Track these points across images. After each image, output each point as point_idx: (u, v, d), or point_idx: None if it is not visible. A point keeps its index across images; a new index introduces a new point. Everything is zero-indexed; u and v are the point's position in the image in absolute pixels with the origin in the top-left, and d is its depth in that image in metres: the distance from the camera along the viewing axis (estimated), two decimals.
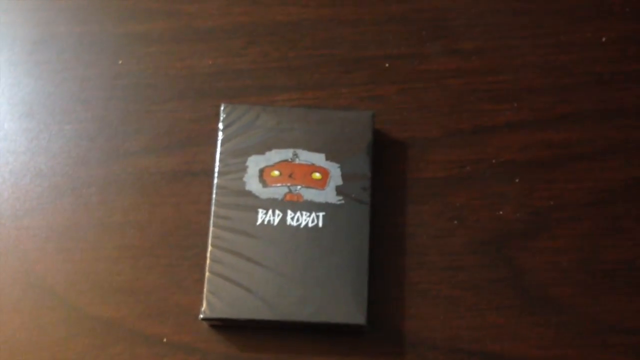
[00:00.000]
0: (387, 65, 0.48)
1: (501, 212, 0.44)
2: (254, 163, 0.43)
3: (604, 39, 0.48)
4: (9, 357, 0.42)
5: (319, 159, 0.43)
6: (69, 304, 0.43)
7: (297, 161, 0.43)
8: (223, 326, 0.42)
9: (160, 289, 0.43)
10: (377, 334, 0.42)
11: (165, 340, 0.42)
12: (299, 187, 0.42)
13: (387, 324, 0.42)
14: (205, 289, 0.41)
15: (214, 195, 0.43)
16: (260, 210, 0.42)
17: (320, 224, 0.42)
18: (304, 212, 0.42)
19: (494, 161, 0.45)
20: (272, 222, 0.42)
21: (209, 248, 0.42)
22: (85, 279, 0.44)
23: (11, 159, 0.46)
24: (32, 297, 0.44)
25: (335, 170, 0.43)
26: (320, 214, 0.42)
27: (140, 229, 0.45)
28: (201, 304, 0.41)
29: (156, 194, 0.45)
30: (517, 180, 0.45)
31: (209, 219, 0.44)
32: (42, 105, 0.47)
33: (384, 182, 0.45)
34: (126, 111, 0.47)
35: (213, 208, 0.42)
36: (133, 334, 0.43)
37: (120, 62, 0.48)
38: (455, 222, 0.44)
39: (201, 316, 0.41)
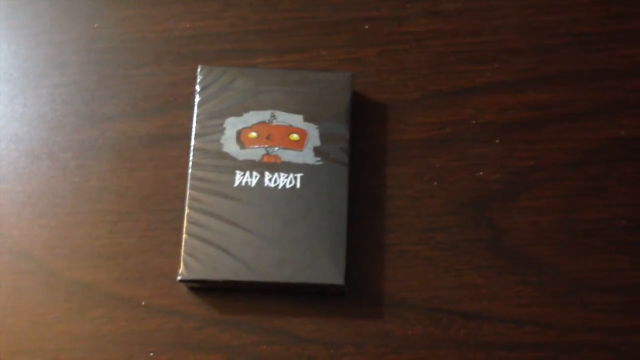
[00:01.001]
0: (366, 27, 0.47)
1: (481, 173, 0.44)
2: (232, 125, 0.43)
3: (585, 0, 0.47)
4: None
5: (297, 120, 0.43)
6: (47, 268, 0.43)
7: (274, 122, 0.43)
8: (201, 288, 0.42)
9: (139, 253, 0.43)
10: (356, 295, 0.42)
11: (143, 303, 0.42)
12: (276, 148, 0.42)
13: (366, 285, 0.42)
14: (182, 251, 0.41)
15: (191, 157, 0.42)
16: (237, 172, 0.42)
17: (299, 185, 0.41)
18: (281, 174, 0.42)
19: (473, 122, 0.45)
20: (249, 183, 0.42)
21: (186, 210, 0.41)
22: (63, 243, 0.43)
23: None
24: (9, 262, 0.43)
25: (313, 132, 0.42)
26: (298, 175, 0.42)
27: (118, 194, 0.44)
28: (179, 267, 0.41)
29: (134, 159, 0.45)
30: (497, 141, 0.45)
31: (187, 182, 0.43)
32: (18, 69, 0.47)
33: (364, 144, 0.45)
34: (103, 75, 0.47)
35: (190, 170, 0.42)
36: (111, 298, 0.42)
37: (96, 25, 0.47)
38: (435, 183, 0.44)
39: (179, 278, 0.41)
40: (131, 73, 0.47)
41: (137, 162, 0.45)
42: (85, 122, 0.46)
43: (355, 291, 0.42)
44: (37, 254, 0.43)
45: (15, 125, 0.46)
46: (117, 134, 0.45)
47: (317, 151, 0.42)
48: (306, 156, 0.42)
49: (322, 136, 0.42)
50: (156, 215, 0.44)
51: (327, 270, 0.40)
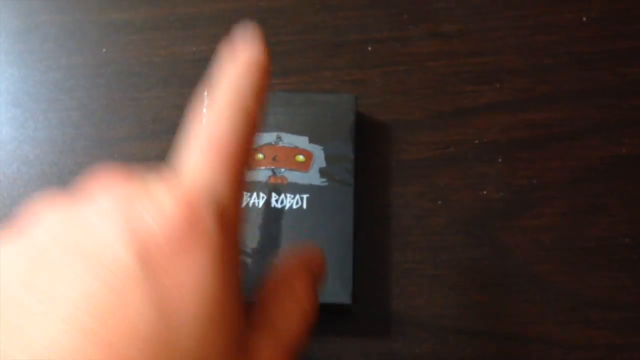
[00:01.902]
0: (369, 49, 0.48)
1: (484, 192, 0.45)
2: None
3: (584, 19, 0.48)
4: None
5: (302, 141, 0.43)
6: None
7: (280, 144, 0.43)
8: None
9: None
10: (362, 313, 0.43)
11: None
12: (282, 169, 0.43)
13: (372, 304, 0.43)
14: None
15: None
16: (245, 193, 0.42)
17: (305, 206, 0.42)
18: (288, 195, 0.42)
19: (476, 142, 0.46)
20: (257, 204, 0.42)
21: None
22: None
23: None
24: None
25: (318, 153, 0.43)
26: (304, 196, 0.42)
27: None
28: None
29: None
30: (499, 160, 0.45)
31: None
32: (27, 94, 0.48)
33: (368, 163, 0.45)
34: (111, 99, 0.47)
35: None
36: None
37: (104, 50, 0.48)
38: (439, 202, 0.45)
39: None
40: (139, 96, 0.47)
41: None
42: (94, 145, 0.46)
43: (361, 309, 0.43)
44: None
45: (25, 149, 0.47)
46: (125, 156, 0.46)
47: (322, 172, 0.43)
48: (312, 177, 0.43)
49: (327, 157, 0.43)
50: None
51: (334, 289, 0.41)
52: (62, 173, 0.46)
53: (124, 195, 0.24)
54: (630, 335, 0.42)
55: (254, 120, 0.27)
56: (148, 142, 0.46)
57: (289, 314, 0.27)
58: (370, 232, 0.44)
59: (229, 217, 0.25)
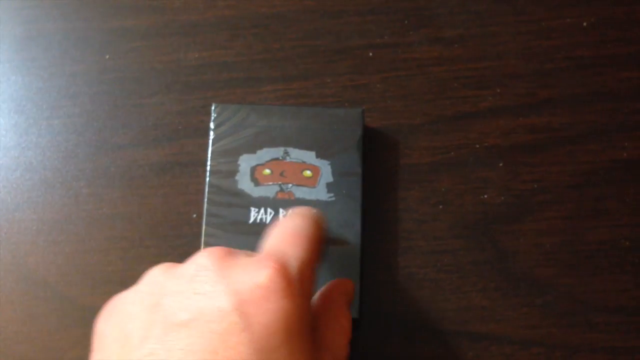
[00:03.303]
0: (370, 54, 0.48)
1: (485, 196, 0.45)
2: (246, 162, 0.43)
3: (584, 24, 0.48)
4: (2, 348, 0.43)
5: (309, 156, 0.43)
6: (61, 295, 0.44)
7: (287, 159, 0.43)
8: None
9: None
10: (365, 317, 0.43)
11: None
12: (290, 185, 0.43)
13: (374, 307, 0.43)
14: None
15: (206, 194, 0.43)
16: (252, 209, 0.42)
17: None
18: None
19: (477, 146, 0.46)
20: (264, 220, 0.42)
21: (202, 246, 0.42)
22: (76, 270, 0.44)
23: (1, 154, 0.47)
24: (25, 289, 0.44)
25: (325, 168, 0.43)
26: None
27: (129, 221, 0.45)
28: None
29: (145, 186, 0.46)
30: (500, 165, 0.46)
31: (197, 209, 0.44)
32: (31, 101, 0.48)
33: (369, 169, 0.45)
34: (114, 105, 0.48)
35: (205, 206, 0.43)
36: None
37: (107, 57, 0.49)
38: (441, 206, 0.45)
39: None
40: (141, 102, 0.48)
41: (148, 189, 0.46)
42: (97, 150, 0.47)
43: (364, 314, 0.43)
44: (52, 281, 0.44)
45: (29, 155, 0.47)
46: (128, 162, 0.46)
47: (329, 187, 0.43)
48: (319, 192, 0.43)
49: (335, 172, 0.43)
50: (166, 241, 0.45)
51: None
52: (65, 179, 0.46)
53: (222, 257, 0.32)
54: (632, 339, 0.42)
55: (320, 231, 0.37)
56: (151, 148, 0.47)
57: (339, 338, 0.35)
58: (372, 236, 0.44)
59: (305, 277, 0.33)
